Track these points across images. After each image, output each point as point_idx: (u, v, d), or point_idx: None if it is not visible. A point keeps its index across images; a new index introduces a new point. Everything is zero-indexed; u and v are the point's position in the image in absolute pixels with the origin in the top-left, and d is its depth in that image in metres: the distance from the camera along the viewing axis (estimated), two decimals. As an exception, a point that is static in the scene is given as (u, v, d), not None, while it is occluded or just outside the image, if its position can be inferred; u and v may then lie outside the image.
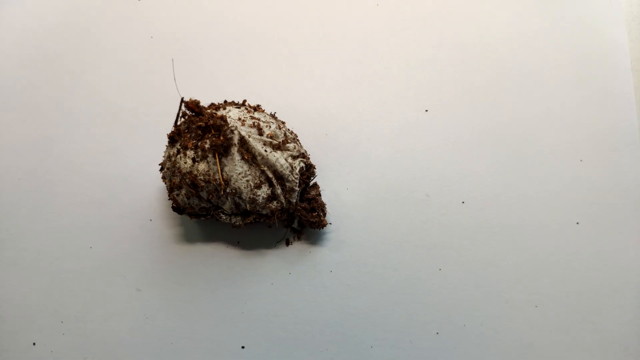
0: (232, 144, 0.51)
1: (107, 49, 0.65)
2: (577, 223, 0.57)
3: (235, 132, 0.51)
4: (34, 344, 0.56)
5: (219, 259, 0.57)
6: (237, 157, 0.51)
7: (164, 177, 0.55)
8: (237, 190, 0.51)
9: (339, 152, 0.60)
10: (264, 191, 0.52)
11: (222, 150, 0.51)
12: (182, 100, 0.53)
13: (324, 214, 0.55)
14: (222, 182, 0.51)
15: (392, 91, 0.62)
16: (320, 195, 0.56)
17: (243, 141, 0.51)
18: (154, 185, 0.59)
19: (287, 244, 0.57)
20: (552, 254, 0.56)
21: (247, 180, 0.51)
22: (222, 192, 0.51)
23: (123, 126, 0.62)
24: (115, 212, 0.59)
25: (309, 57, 0.63)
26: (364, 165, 0.60)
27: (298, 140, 0.57)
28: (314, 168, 0.56)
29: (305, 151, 0.57)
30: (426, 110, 0.61)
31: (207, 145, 0.51)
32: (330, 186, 0.59)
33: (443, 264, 0.56)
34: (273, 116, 0.57)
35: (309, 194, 0.56)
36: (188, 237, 0.58)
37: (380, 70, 0.62)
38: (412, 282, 0.55)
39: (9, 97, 0.64)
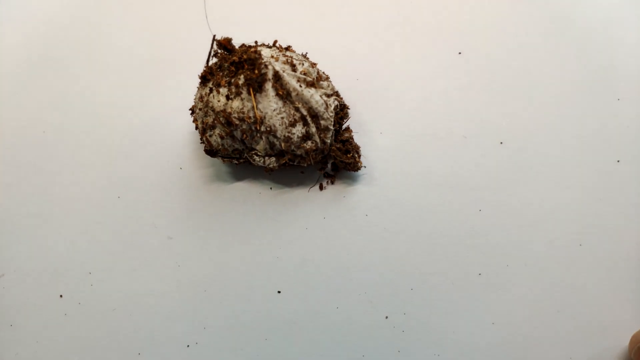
0: (266, 78, 0.50)
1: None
2: (618, 161, 0.55)
3: (270, 66, 0.50)
4: (60, 296, 0.54)
5: (251, 205, 0.55)
6: (271, 93, 0.50)
7: (195, 120, 0.53)
8: (272, 128, 0.50)
9: (371, 96, 0.59)
10: (298, 129, 0.51)
11: (256, 85, 0.49)
12: (214, 38, 0.51)
13: (359, 156, 0.54)
14: (258, 118, 0.49)
15: (422, 34, 0.60)
16: (353, 137, 0.55)
17: (277, 76, 0.50)
18: (183, 131, 0.58)
19: (321, 188, 0.56)
20: (595, 192, 0.54)
21: (282, 118, 0.50)
22: (256, 130, 0.50)
23: (147, 72, 0.60)
24: (143, 161, 0.58)
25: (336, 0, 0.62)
26: (397, 108, 0.58)
27: (330, 80, 0.56)
28: (348, 108, 0.55)
29: (338, 92, 0.55)
30: (459, 53, 0.59)
31: (240, 81, 0.49)
32: (364, 130, 0.58)
33: (483, 205, 0.54)
34: (304, 56, 0.56)
35: (343, 135, 0.54)
36: (220, 184, 0.57)
37: (410, 13, 0.61)
38: (452, 224, 0.53)
39: (30, 46, 0.63)
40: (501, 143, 0.56)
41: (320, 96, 0.51)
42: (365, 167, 0.56)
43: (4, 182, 0.59)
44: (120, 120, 0.59)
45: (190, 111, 0.55)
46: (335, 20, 0.62)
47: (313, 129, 0.51)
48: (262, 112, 0.50)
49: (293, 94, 0.50)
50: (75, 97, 0.61)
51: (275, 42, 0.55)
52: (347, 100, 0.58)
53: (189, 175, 0.57)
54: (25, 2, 0.66)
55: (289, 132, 0.50)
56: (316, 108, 0.51)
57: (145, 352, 0.52)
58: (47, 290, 0.55)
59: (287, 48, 0.55)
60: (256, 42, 0.56)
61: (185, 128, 0.58)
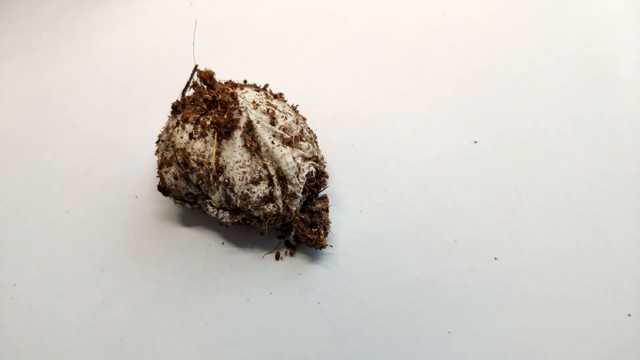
0: (236, 126, 0.44)
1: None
2: (629, 315, 0.44)
3: (244, 113, 0.44)
4: (-21, 300, 0.50)
5: (196, 257, 0.49)
6: (239, 142, 0.44)
7: (157, 150, 0.48)
8: (230, 181, 0.44)
9: (362, 167, 0.52)
10: (260, 189, 0.44)
11: (223, 131, 0.43)
12: (195, 68, 0.46)
13: (326, 234, 0.46)
14: (214, 166, 0.43)
15: (439, 110, 0.53)
16: (327, 210, 0.48)
17: (250, 126, 0.44)
18: (150, 158, 0.53)
19: (277, 258, 0.49)
20: (602, 340, 0.43)
21: (244, 172, 0.44)
22: (211, 178, 0.44)
23: (131, 89, 0.56)
24: (101, 180, 0.53)
25: (350, 55, 0.56)
26: (388, 188, 0.50)
27: (316, 141, 0.49)
28: (326, 177, 0.48)
29: (322, 157, 0.49)
30: (475, 142, 0.51)
31: (208, 122, 0.44)
32: (342, 204, 0.50)
33: (456, 328, 0.45)
34: (294, 108, 0.50)
35: (314, 205, 0.47)
36: (170, 225, 0.51)
37: (430, 85, 0.54)
38: (414, 343, 0.44)
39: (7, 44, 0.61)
40: (495, 259, 0.47)
41: (294, 158, 0.45)
42: (331, 246, 0.48)
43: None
44: (88, 131, 0.55)
45: (158, 139, 0.50)
46: (343, 75, 0.56)
47: (278, 192, 0.45)
48: (223, 160, 0.44)
49: (263, 149, 0.44)
50: (49, 94, 0.58)
51: (267, 86, 0.50)
52: (332, 167, 0.51)
53: (142, 207, 0.52)
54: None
55: (248, 189, 0.44)
56: (285, 170, 0.44)
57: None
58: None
59: (277, 95, 0.49)
60: (245, 81, 0.50)
61: (153, 155, 0.53)
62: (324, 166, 0.48)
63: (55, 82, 0.59)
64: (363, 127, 0.53)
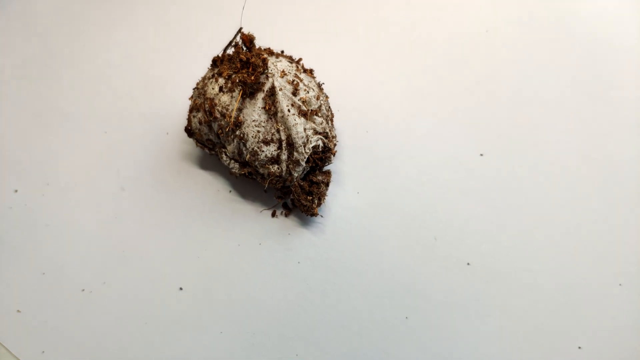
0: (261, 89, 0.48)
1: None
2: (580, 347, 0.46)
3: (270, 79, 0.49)
4: (15, 190, 0.57)
5: (204, 197, 0.55)
6: (259, 104, 0.48)
7: (192, 96, 0.54)
8: (244, 136, 0.48)
9: (371, 154, 0.55)
10: (269, 150, 0.49)
11: (248, 90, 0.48)
12: (239, 30, 0.51)
13: (319, 204, 0.51)
14: (232, 119, 0.48)
15: (454, 119, 0.55)
16: (327, 184, 0.52)
17: (272, 91, 0.49)
18: (187, 103, 0.59)
19: (273, 215, 0.54)
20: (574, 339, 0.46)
21: (258, 131, 0.48)
22: (229, 130, 0.49)
23: (184, 37, 0.62)
24: (141, 112, 0.60)
25: (386, 53, 0.59)
26: (388, 178, 0.54)
27: (332, 120, 0.53)
28: (332, 154, 0.52)
29: (334, 135, 0.53)
30: (481, 154, 0.54)
31: (237, 80, 0.48)
32: (344, 182, 0.54)
33: (414, 315, 0.48)
34: (319, 85, 0.54)
35: (316, 177, 0.52)
36: (190, 164, 0.57)
37: (453, 96, 0.56)
38: (373, 319, 0.48)
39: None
40: (468, 264, 0.50)
41: (305, 129, 0.49)
42: (322, 216, 0.53)
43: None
44: (139, 66, 0.62)
45: (195, 86, 0.55)
46: (377, 70, 0.59)
47: (284, 156, 0.49)
48: (243, 117, 0.48)
49: (279, 114, 0.49)
50: (101, 30, 0.65)
51: (300, 60, 0.54)
52: (344, 147, 0.55)
53: (170, 143, 0.58)
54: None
55: (258, 147, 0.49)
56: (294, 138, 0.48)
57: (48, 272, 0.53)
58: (3, 184, 0.58)
59: (307, 70, 0.53)
60: (282, 51, 0.55)
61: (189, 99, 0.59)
62: (334, 144, 0.52)
63: (120, 21, 0.66)
64: (381, 118, 0.57)
